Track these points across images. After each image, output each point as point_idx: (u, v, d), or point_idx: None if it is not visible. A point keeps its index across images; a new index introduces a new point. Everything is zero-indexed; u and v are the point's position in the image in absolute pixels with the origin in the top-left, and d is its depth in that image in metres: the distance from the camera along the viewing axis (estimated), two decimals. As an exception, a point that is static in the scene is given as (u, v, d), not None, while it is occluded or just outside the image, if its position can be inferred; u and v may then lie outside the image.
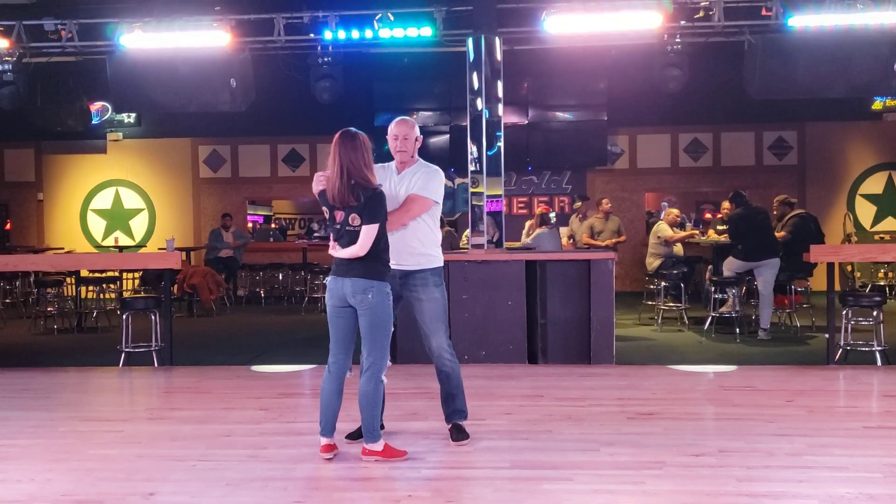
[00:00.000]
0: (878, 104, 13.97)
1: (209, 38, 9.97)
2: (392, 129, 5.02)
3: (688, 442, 4.93)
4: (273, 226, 17.82)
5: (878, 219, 14.49)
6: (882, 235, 13.88)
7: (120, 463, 4.67)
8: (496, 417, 5.37)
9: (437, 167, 5.06)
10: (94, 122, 14.53)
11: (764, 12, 9.65)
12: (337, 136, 4.54)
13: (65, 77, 12.44)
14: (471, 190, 9.06)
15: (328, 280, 4.69)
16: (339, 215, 4.53)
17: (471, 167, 9.03)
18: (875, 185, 14.50)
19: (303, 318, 11.82)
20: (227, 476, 4.39)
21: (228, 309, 12.72)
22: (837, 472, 4.34)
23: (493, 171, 8.76)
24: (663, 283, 10.50)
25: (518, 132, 13.69)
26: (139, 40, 9.96)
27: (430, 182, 4.92)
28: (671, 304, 10.53)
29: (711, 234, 11.24)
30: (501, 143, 8.87)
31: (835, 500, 3.94)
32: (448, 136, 13.88)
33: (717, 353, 8.39)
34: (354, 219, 4.48)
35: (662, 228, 10.71)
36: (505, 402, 5.92)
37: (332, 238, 4.63)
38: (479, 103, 8.84)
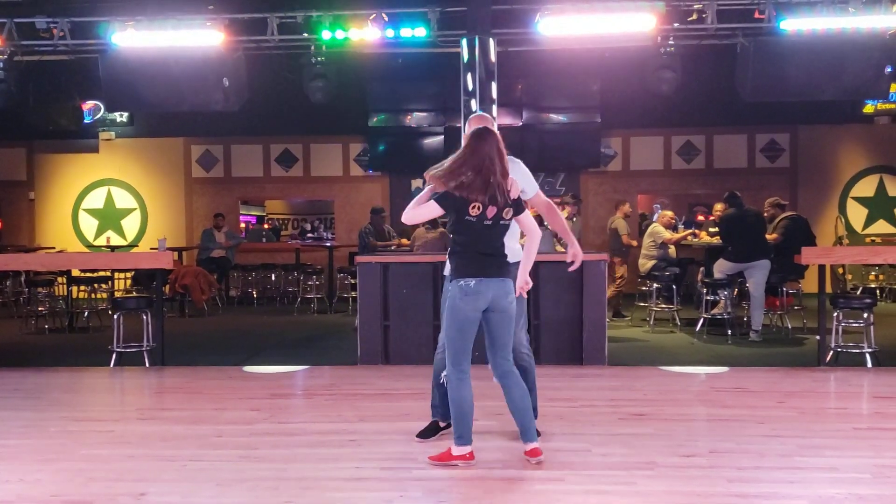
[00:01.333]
0: (869, 107, 14.03)
1: (202, 38, 9.94)
2: None
3: (679, 442, 4.94)
4: (266, 226, 17.80)
5: (869, 221, 14.55)
6: (873, 238, 13.92)
7: (110, 463, 4.65)
8: (488, 418, 5.37)
9: (516, 159, 5.09)
10: (86, 121, 14.52)
11: (757, 15, 9.68)
12: (482, 132, 4.54)
13: (57, 76, 12.39)
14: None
15: (472, 283, 4.44)
16: (492, 210, 4.46)
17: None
18: (866, 188, 14.55)
19: (295, 318, 11.80)
20: (218, 476, 4.38)
21: (220, 309, 12.69)
22: (827, 473, 4.35)
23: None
24: (655, 285, 10.52)
25: (512, 134, 13.66)
26: (132, 39, 9.93)
27: (531, 181, 5.09)
28: (663, 306, 10.55)
29: (703, 236, 11.26)
30: (495, 145, 8.87)
31: (825, 500, 3.95)
32: (442, 136, 13.87)
33: (709, 355, 8.41)
34: (508, 212, 4.50)
35: (659, 230, 10.72)
36: (496, 403, 5.89)
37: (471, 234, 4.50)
38: (474, 104, 8.85)
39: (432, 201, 4.53)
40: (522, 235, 4.87)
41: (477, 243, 4.49)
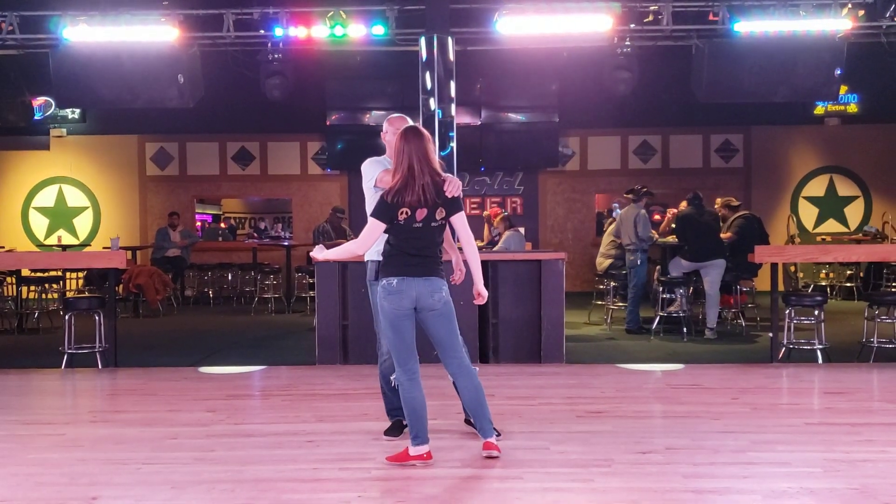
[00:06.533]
0: (820, 109, 14.34)
1: (156, 33, 9.80)
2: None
3: (636, 439, 4.99)
4: (222, 225, 17.58)
5: (819, 220, 14.85)
6: (824, 237, 14.21)
7: (61, 467, 4.55)
8: (447, 417, 5.36)
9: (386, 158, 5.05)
10: (36, 117, 14.18)
11: (711, 17, 9.82)
12: (405, 133, 4.50)
13: (5, 71, 12.11)
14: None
15: (394, 282, 4.44)
16: (422, 213, 4.42)
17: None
18: (817, 187, 14.85)
19: (252, 318, 11.68)
20: (172, 479, 4.31)
21: (175, 309, 12.52)
22: (780, 468, 4.42)
23: (446, 171, 8.75)
24: (612, 283, 10.61)
25: (471, 133, 13.71)
26: (84, 34, 9.74)
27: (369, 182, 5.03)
28: (620, 304, 10.63)
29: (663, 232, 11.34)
30: (454, 144, 8.89)
31: (777, 494, 4.01)
32: (400, 135, 13.80)
33: (665, 352, 8.50)
34: (441, 212, 4.45)
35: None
36: (455, 402, 5.89)
37: (400, 237, 4.47)
38: (432, 103, 8.84)
39: (371, 220, 4.51)
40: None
41: (406, 245, 4.47)
